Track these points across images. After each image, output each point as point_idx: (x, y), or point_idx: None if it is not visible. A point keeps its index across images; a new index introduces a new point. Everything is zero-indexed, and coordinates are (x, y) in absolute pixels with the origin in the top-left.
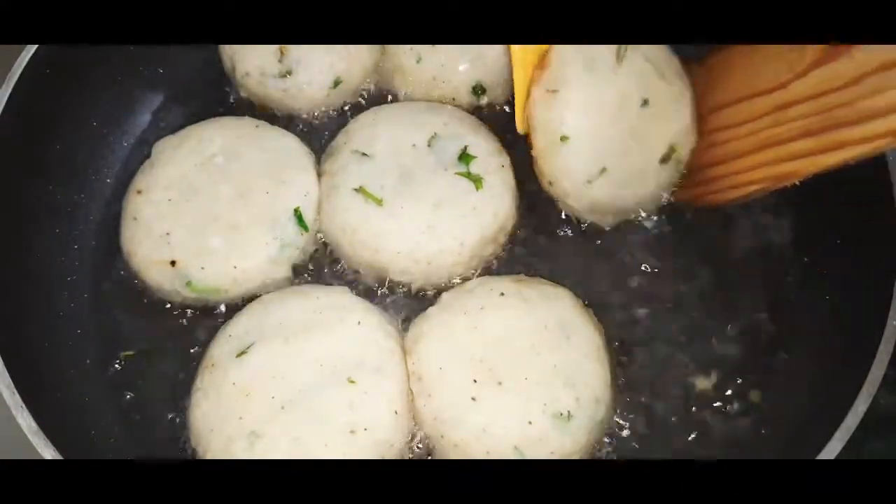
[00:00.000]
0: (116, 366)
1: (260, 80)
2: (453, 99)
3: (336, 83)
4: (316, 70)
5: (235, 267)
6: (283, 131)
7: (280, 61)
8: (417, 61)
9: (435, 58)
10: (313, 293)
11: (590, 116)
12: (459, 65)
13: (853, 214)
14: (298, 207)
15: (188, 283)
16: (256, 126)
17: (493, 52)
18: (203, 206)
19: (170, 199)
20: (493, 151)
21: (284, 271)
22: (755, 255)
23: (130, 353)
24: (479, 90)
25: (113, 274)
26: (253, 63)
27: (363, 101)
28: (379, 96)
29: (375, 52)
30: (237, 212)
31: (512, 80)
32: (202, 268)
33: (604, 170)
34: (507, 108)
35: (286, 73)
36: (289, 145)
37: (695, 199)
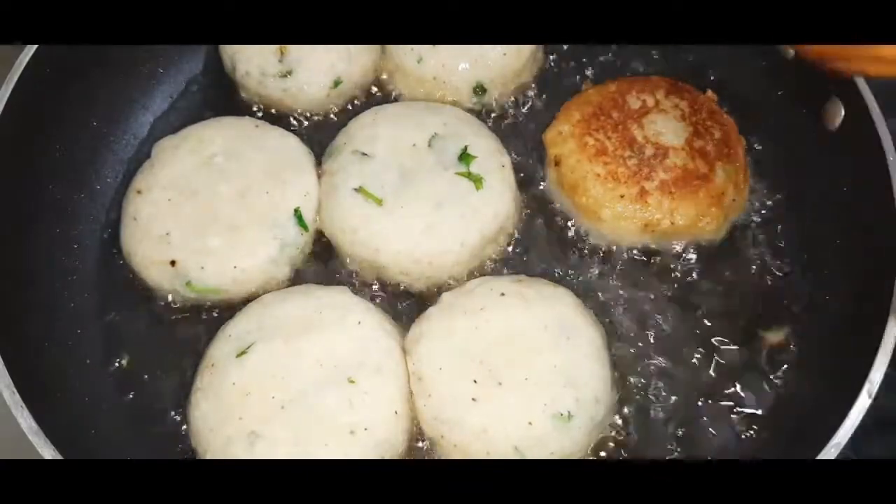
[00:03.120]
0: (116, 366)
1: (260, 80)
2: (454, 99)
3: (336, 83)
4: (316, 70)
5: (235, 267)
6: (283, 131)
7: (280, 61)
8: (418, 61)
9: (435, 58)
10: (313, 293)
11: None
12: (460, 65)
13: (853, 214)
14: (298, 207)
15: (188, 283)
16: (256, 126)
17: (494, 52)
18: (203, 206)
19: (169, 199)
20: (493, 151)
21: (284, 271)
22: (754, 258)
23: (130, 352)
24: (479, 90)
25: (113, 274)
26: (253, 63)
27: (363, 102)
28: (379, 96)
29: (375, 52)
30: (237, 212)
31: (511, 80)
32: (202, 268)
33: None
34: (507, 108)
35: (286, 73)
36: (289, 145)
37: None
